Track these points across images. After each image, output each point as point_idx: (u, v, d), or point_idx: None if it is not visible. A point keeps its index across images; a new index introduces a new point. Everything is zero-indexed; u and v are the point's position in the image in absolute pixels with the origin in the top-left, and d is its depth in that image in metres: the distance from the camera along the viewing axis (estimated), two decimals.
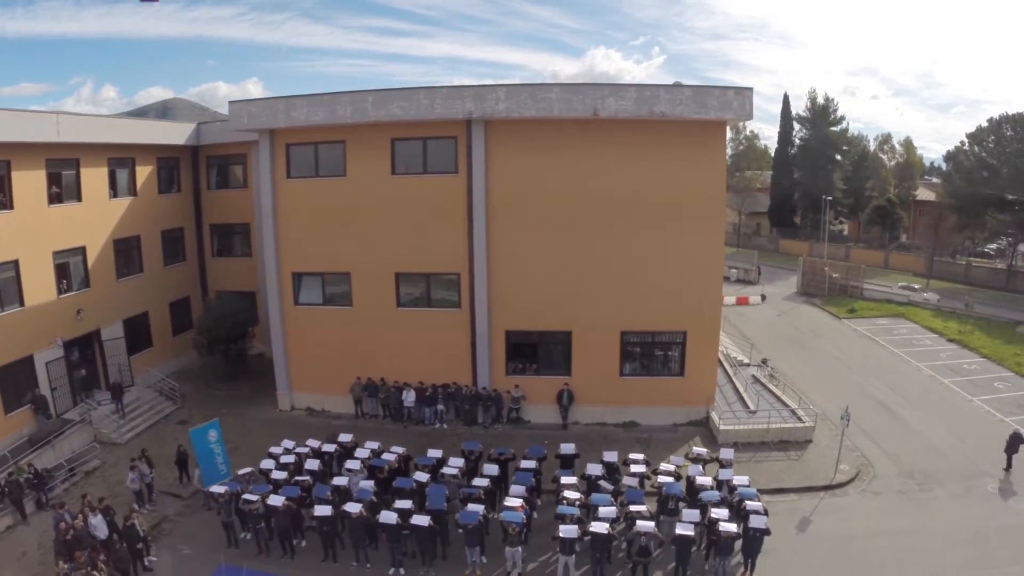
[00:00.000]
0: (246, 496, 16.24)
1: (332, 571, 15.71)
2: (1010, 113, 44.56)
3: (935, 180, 58.71)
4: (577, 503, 15.84)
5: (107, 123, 24.15)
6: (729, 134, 72.99)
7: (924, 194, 58.67)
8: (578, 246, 21.71)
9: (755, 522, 14.77)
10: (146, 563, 15.79)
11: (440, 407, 22.87)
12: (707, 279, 21.97)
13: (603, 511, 15.31)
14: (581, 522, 15.26)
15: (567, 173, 21.44)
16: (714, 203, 21.79)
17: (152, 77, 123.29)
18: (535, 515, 17.09)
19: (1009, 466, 20.04)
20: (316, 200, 22.82)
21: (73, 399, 22.93)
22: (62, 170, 22.83)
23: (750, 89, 20.50)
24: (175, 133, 27.89)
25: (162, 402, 24.74)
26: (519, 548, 15.12)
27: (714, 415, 22.26)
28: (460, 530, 15.39)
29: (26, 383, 21.41)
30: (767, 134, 74.95)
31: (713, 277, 22.22)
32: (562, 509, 15.51)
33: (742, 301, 40.01)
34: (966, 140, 47.61)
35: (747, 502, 15.61)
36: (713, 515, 15.13)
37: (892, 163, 63.27)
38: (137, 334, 26.18)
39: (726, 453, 18.36)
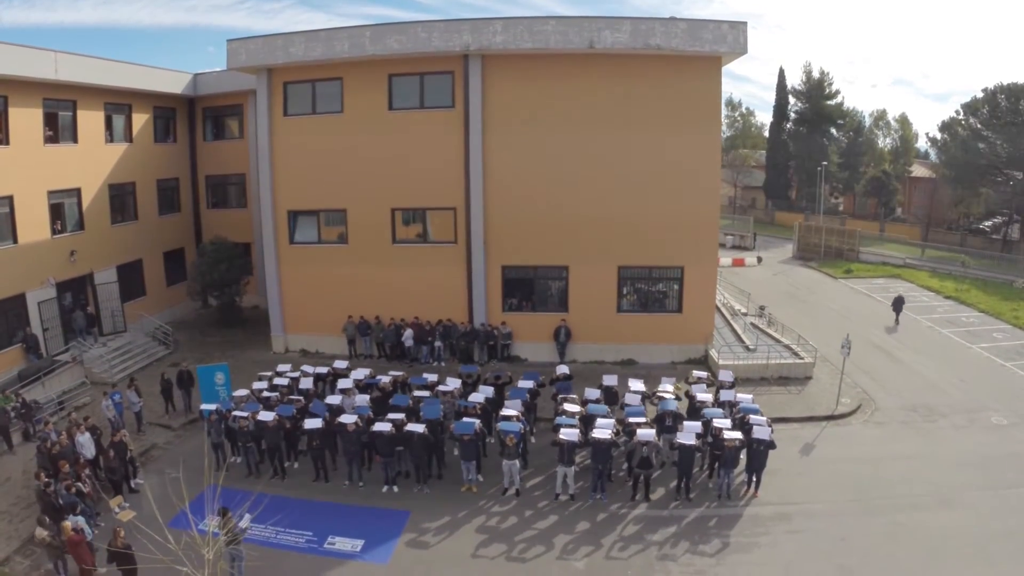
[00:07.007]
0: (236, 413, 15.81)
1: (324, 491, 15.38)
2: (1004, 83, 44.35)
3: (932, 157, 58.34)
4: (577, 416, 15.59)
5: (105, 65, 23.70)
6: (724, 111, 73.58)
7: (919, 171, 58.50)
8: (575, 180, 21.52)
9: (759, 433, 14.52)
10: (132, 485, 15.50)
11: (438, 344, 22.62)
12: (704, 214, 21.74)
13: (602, 421, 15.09)
14: (581, 432, 15.01)
15: (563, 108, 21.26)
16: (709, 140, 21.67)
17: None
18: (532, 440, 16.88)
19: (897, 321, 27.42)
20: (313, 137, 22.56)
21: (65, 340, 22.58)
22: (59, 111, 22.66)
23: (744, 23, 20.43)
24: (172, 81, 27.51)
25: (155, 346, 24.43)
26: (516, 461, 14.89)
27: (713, 352, 22.05)
28: (456, 444, 15.15)
29: (17, 322, 21.12)
30: (763, 121, 74.57)
31: (709, 212, 21.97)
32: (560, 420, 15.30)
33: (738, 263, 39.80)
34: (961, 110, 47.41)
35: (750, 416, 15.36)
36: (716, 425, 14.89)
37: (887, 140, 63.16)
38: (131, 281, 25.84)
39: (725, 375, 18.16)
